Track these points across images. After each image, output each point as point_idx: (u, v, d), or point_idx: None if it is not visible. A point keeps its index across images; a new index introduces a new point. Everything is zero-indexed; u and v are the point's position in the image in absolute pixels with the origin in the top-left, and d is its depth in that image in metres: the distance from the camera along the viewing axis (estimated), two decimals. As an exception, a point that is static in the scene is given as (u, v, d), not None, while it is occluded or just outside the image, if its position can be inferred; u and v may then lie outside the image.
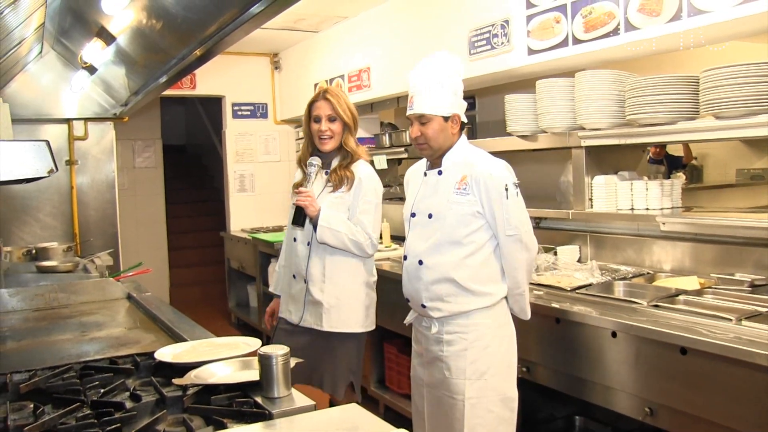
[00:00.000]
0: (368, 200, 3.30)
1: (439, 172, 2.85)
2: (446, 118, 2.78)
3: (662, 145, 5.88)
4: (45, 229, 5.76)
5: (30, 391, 1.97)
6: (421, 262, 2.82)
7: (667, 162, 5.96)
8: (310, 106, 3.35)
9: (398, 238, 5.20)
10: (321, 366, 3.33)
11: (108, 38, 3.75)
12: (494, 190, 2.71)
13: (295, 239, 3.39)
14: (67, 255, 4.95)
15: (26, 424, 1.68)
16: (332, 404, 3.23)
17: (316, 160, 3.27)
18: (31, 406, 1.84)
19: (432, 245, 2.80)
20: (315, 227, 3.19)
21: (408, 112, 2.84)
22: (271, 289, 3.70)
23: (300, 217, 3.19)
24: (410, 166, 3.14)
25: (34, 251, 4.97)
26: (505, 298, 2.84)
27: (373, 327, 3.41)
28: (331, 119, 3.29)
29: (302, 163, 3.42)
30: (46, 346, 2.64)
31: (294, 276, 3.40)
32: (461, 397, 2.75)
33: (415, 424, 3.05)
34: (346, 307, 3.31)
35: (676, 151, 6.18)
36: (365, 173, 3.34)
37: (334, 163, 3.34)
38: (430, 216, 2.83)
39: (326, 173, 3.32)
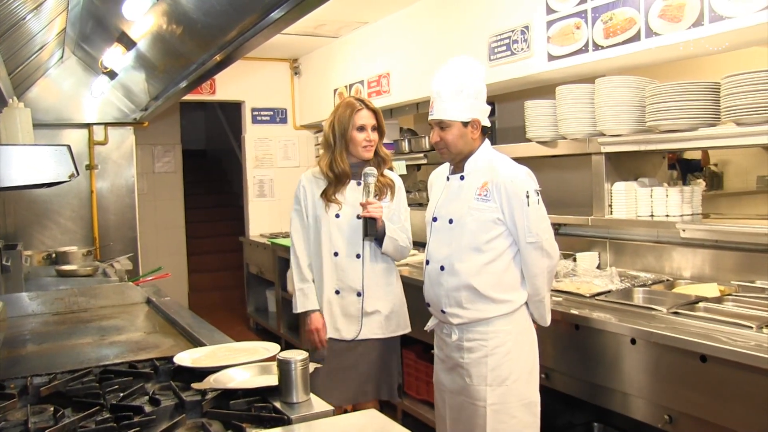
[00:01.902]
0: (406, 207, 3.44)
1: (461, 177, 2.85)
2: (465, 124, 2.78)
3: (675, 151, 5.81)
4: (65, 233, 5.81)
5: (50, 395, 1.98)
6: (443, 268, 2.82)
7: (680, 166, 5.88)
8: (354, 115, 3.28)
9: (417, 244, 5.19)
10: (378, 374, 3.36)
11: (128, 43, 3.78)
12: (515, 196, 2.70)
13: (336, 253, 3.30)
14: (87, 259, 5.00)
15: (46, 427, 1.70)
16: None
17: (373, 170, 3.25)
18: (51, 409, 1.85)
19: (453, 251, 2.80)
20: (377, 238, 3.24)
21: (429, 118, 2.86)
22: (306, 308, 3.35)
23: (373, 228, 3.18)
24: (434, 169, 3.14)
25: (54, 255, 5.02)
26: (526, 303, 2.83)
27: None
28: (374, 129, 3.33)
29: (333, 170, 3.30)
30: (66, 350, 2.66)
31: (338, 291, 3.31)
32: (483, 404, 2.74)
33: (439, 429, 3.04)
34: (399, 311, 3.38)
35: (694, 154, 6.11)
36: (399, 180, 3.45)
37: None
38: (450, 221, 2.83)
39: (358, 183, 3.29)
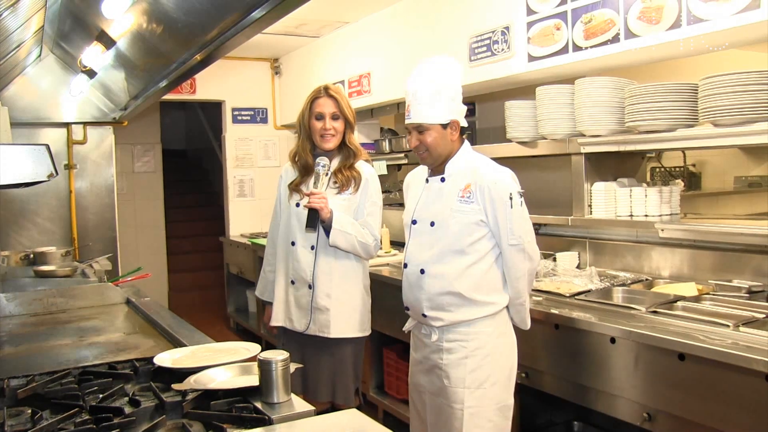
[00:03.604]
0: (374, 202, 3.31)
1: (442, 179, 2.82)
2: (444, 126, 2.75)
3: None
4: (43, 233, 5.74)
5: (28, 397, 1.96)
6: (423, 271, 2.79)
7: None
8: (312, 103, 3.30)
9: (397, 244, 5.20)
10: (329, 376, 3.30)
11: (108, 42, 3.75)
12: (498, 198, 2.68)
13: (293, 243, 3.30)
14: (66, 259, 4.94)
15: (24, 430, 1.68)
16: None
17: (324, 160, 3.20)
18: (29, 411, 1.83)
19: (435, 254, 2.77)
20: (327, 230, 3.16)
21: (406, 121, 2.81)
22: (257, 294, 3.64)
23: (314, 220, 3.11)
24: (411, 171, 3.12)
25: (32, 256, 4.96)
26: (507, 307, 2.82)
27: (370, 331, 3.41)
28: (335, 117, 3.26)
29: (297, 160, 3.37)
30: (44, 352, 2.64)
31: (293, 282, 3.32)
32: (460, 406, 2.72)
33: (414, 429, 3.04)
34: (352, 312, 3.29)
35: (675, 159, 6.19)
36: (370, 173, 3.35)
37: (336, 162, 3.30)
38: (432, 224, 2.80)
39: (326, 174, 3.27)
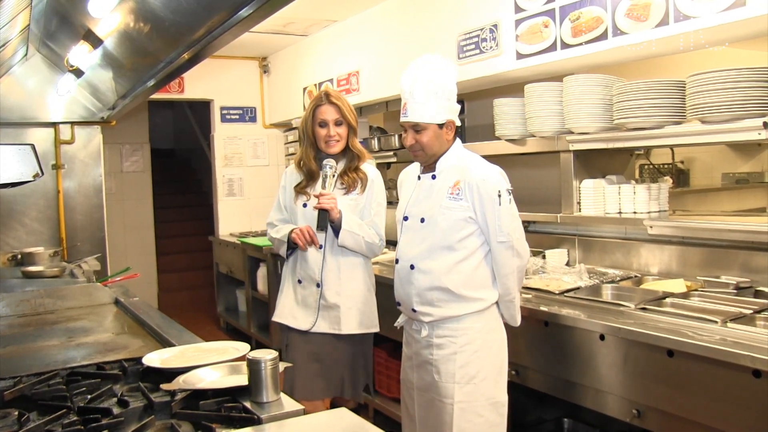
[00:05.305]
0: (380, 202, 3.36)
1: (433, 177, 2.84)
2: (441, 125, 2.76)
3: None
4: (31, 233, 5.71)
5: (15, 399, 1.94)
6: (412, 267, 2.82)
7: None
8: (314, 110, 3.30)
9: (387, 243, 5.18)
10: (339, 371, 3.32)
11: (95, 41, 3.72)
12: (487, 196, 2.70)
13: None
14: (54, 260, 4.91)
15: None
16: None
17: (331, 162, 3.23)
18: (16, 413, 1.81)
19: (424, 250, 2.80)
20: (336, 230, 3.19)
21: (402, 119, 2.81)
22: (284, 238, 3.30)
23: (325, 220, 3.14)
24: (404, 168, 3.13)
25: (19, 256, 4.92)
26: (497, 303, 2.84)
27: (378, 328, 3.42)
28: (338, 123, 3.28)
29: (302, 167, 3.38)
30: (32, 353, 2.62)
31: (300, 281, 3.34)
32: (450, 401, 2.74)
33: (405, 426, 3.04)
34: (362, 308, 3.32)
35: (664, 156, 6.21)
36: (375, 174, 3.40)
37: (341, 165, 3.33)
38: (422, 220, 2.82)
39: (333, 175, 3.27)
